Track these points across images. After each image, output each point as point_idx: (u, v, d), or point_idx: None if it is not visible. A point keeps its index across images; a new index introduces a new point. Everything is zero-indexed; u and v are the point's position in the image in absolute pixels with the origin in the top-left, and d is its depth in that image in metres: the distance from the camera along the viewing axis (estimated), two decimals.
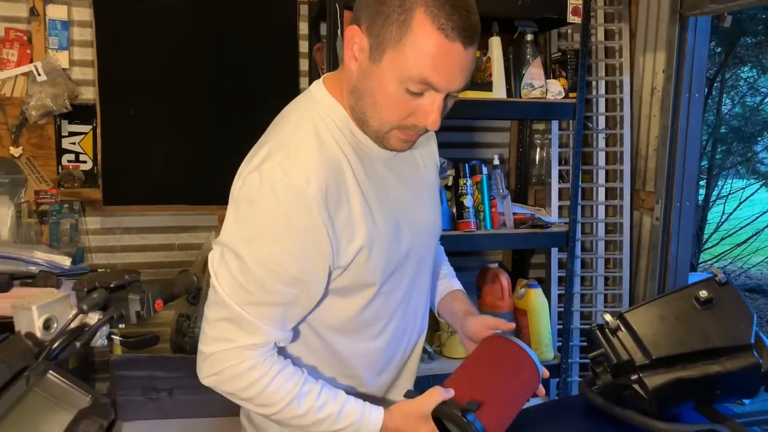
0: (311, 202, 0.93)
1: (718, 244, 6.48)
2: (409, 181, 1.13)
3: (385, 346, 1.14)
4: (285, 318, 1.01)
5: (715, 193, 6.36)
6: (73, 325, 0.81)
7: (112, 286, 0.85)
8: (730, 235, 6.50)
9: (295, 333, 1.07)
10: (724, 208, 6.50)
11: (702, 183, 6.02)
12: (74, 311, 0.82)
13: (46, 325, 0.79)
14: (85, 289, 0.83)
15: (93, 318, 0.83)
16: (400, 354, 1.20)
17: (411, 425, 1.02)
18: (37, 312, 0.78)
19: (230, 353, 0.98)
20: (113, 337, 0.86)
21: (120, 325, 0.86)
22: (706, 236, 6.35)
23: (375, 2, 0.92)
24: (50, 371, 0.70)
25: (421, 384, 2.39)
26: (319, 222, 0.94)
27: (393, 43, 0.90)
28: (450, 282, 1.39)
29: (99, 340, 0.84)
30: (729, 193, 6.59)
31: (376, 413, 1.03)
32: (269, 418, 1.07)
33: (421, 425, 1.02)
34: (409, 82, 0.91)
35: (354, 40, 0.95)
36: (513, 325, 1.26)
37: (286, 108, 1.09)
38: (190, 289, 0.99)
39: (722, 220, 6.51)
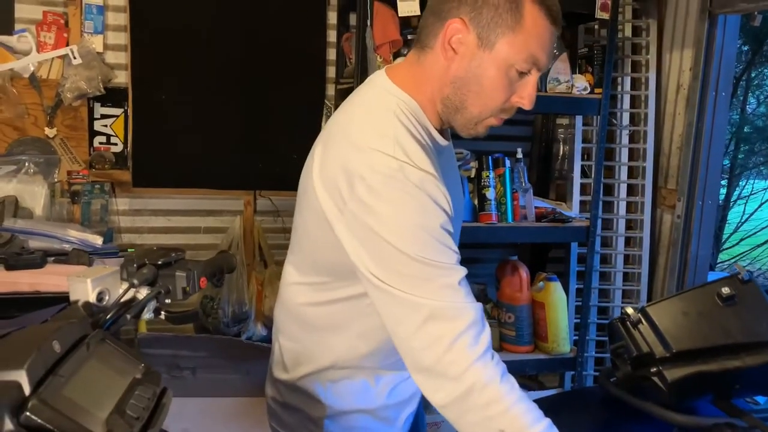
0: (430, 184, 0.96)
1: (737, 244, 6.43)
2: (454, 175, 1.20)
3: None
4: (463, 286, 0.96)
5: (736, 192, 6.30)
6: (124, 298, 0.85)
7: (160, 263, 0.89)
8: (749, 236, 6.45)
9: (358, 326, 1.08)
10: (744, 208, 6.44)
11: (723, 182, 5.97)
12: (125, 285, 0.86)
13: (99, 298, 0.84)
14: (135, 265, 0.88)
15: (142, 292, 0.87)
16: None
17: None
18: (91, 285, 0.82)
19: (452, 352, 0.91)
20: (160, 311, 0.90)
21: (166, 300, 0.90)
22: (725, 236, 6.30)
23: None
24: (107, 339, 0.75)
25: None
26: (440, 192, 0.97)
27: (508, 29, 0.98)
28: None
29: (147, 314, 0.88)
30: (750, 194, 6.53)
31: None
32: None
33: None
34: (522, 63, 0.99)
35: (455, 33, 1.00)
36: None
37: (356, 99, 1.10)
38: (231, 269, 1.03)
39: (742, 221, 6.45)
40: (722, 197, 5.98)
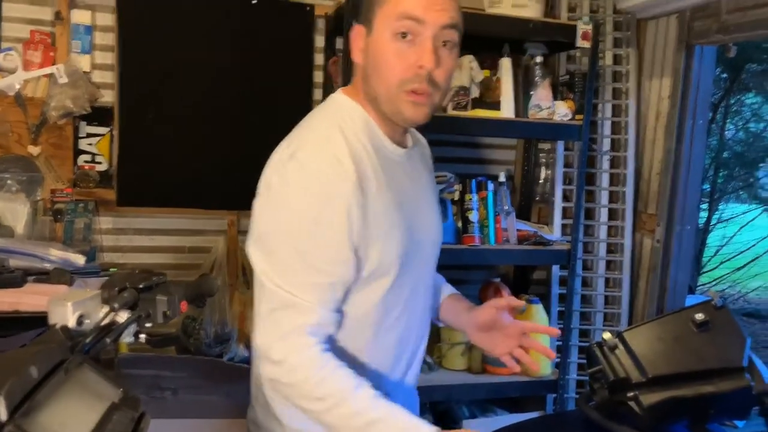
0: (346, 182, 1.01)
1: (717, 267, 6.52)
2: (420, 185, 1.21)
3: (396, 341, 1.16)
4: (330, 298, 1.03)
5: (716, 216, 6.41)
6: (104, 322, 0.86)
7: (141, 286, 0.90)
8: (729, 259, 6.54)
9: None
10: (724, 232, 6.55)
11: (703, 206, 6.07)
12: (105, 309, 0.87)
13: (79, 321, 0.84)
14: (116, 289, 0.88)
15: (122, 316, 0.88)
16: (408, 354, 1.21)
17: None
18: (72, 308, 0.83)
19: (289, 341, 1.00)
20: (139, 335, 0.91)
21: (147, 324, 0.90)
22: (705, 259, 6.39)
23: None
24: (86, 364, 0.75)
25: (420, 393, 2.43)
26: (353, 199, 1.01)
27: (377, 5, 1.04)
28: (447, 291, 1.42)
29: (127, 337, 0.89)
30: (730, 218, 6.64)
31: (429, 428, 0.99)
32: (320, 418, 1.03)
33: None
34: (396, 24, 1.02)
35: (356, 37, 1.09)
36: (523, 302, 1.28)
37: (311, 113, 1.16)
38: (212, 292, 1.04)
39: (722, 244, 6.55)
40: (702, 221, 6.08)
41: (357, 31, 1.09)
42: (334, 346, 1.08)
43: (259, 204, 1.06)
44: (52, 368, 0.71)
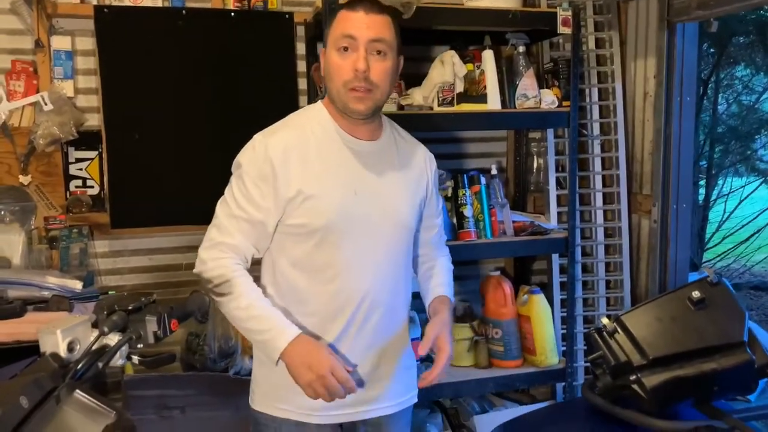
0: (272, 150, 1.40)
1: (720, 243, 6.50)
2: (383, 173, 1.49)
3: (335, 292, 1.43)
4: (247, 230, 1.41)
5: (715, 192, 6.39)
6: (95, 346, 0.85)
7: (130, 308, 0.90)
8: (731, 234, 6.52)
9: (265, 267, 1.48)
10: (725, 206, 6.52)
11: (702, 183, 6.05)
12: (95, 333, 0.87)
13: (70, 347, 0.84)
14: (105, 312, 0.88)
15: (113, 339, 0.87)
16: (352, 310, 1.44)
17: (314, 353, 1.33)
18: (61, 335, 0.83)
19: (213, 250, 1.41)
20: (132, 356, 0.90)
21: (138, 345, 0.90)
22: (708, 235, 6.37)
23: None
24: (77, 390, 0.75)
25: (428, 392, 2.43)
26: (276, 164, 1.39)
27: (329, 31, 1.43)
28: (440, 289, 1.64)
29: (119, 360, 0.88)
30: (729, 192, 6.61)
31: (294, 330, 1.35)
32: (222, 308, 1.39)
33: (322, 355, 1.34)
34: (338, 41, 1.39)
35: (322, 56, 1.46)
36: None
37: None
38: (202, 309, 1.04)
39: (723, 219, 6.53)
40: (702, 197, 6.06)
41: (322, 52, 1.47)
42: (274, 274, 1.46)
43: None
44: (43, 397, 0.71)
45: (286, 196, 1.40)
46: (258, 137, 1.46)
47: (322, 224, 1.40)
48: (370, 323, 1.47)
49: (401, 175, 1.53)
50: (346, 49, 1.38)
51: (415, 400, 1.63)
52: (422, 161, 1.61)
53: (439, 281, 1.65)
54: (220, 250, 1.40)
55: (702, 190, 6.07)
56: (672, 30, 2.48)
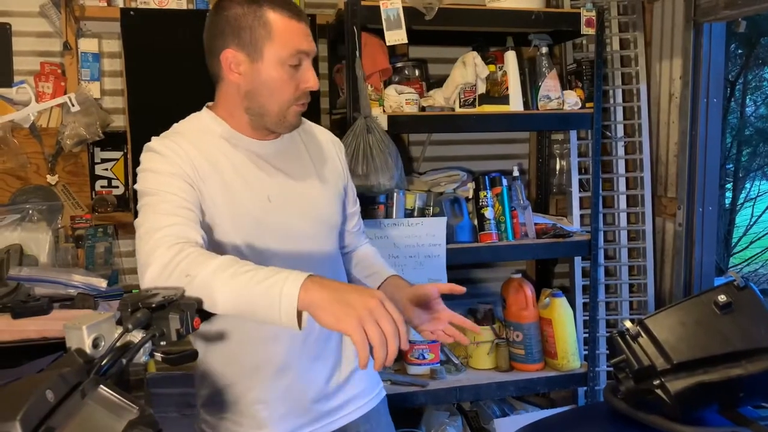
0: (178, 144, 1.26)
1: (747, 247, 6.38)
2: (292, 172, 1.36)
3: None
4: (188, 215, 1.19)
5: (742, 195, 6.27)
6: (119, 343, 0.86)
7: (153, 306, 0.91)
8: (759, 239, 6.40)
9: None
10: (752, 210, 6.40)
11: (729, 186, 5.94)
12: (120, 330, 0.88)
13: (95, 344, 0.85)
14: (129, 309, 0.89)
15: (137, 336, 0.88)
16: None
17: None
18: (86, 331, 0.84)
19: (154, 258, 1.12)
20: (155, 354, 0.92)
21: (161, 343, 0.91)
22: (735, 240, 6.25)
23: (232, 26, 1.26)
24: (101, 385, 0.76)
25: (449, 395, 2.41)
26: (182, 155, 1.24)
27: (266, 39, 1.24)
28: (386, 272, 1.47)
29: (142, 357, 0.89)
30: (757, 196, 6.49)
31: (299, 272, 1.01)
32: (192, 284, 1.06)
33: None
34: (290, 58, 1.24)
35: (230, 60, 1.27)
36: (463, 288, 1.30)
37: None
38: None
39: (751, 223, 6.41)
40: (728, 201, 5.95)
41: (235, 57, 1.26)
42: None
43: None
44: (69, 391, 0.72)
45: (202, 190, 1.24)
46: (156, 142, 1.29)
47: (228, 229, 1.26)
48: (313, 335, 1.33)
49: (316, 170, 1.40)
50: (297, 66, 1.25)
51: (384, 394, 1.52)
52: (331, 147, 1.48)
53: (377, 269, 1.48)
54: (161, 250, 1.10)
55: (729, 194, 5.96)
56: (699, 30, 2.44)
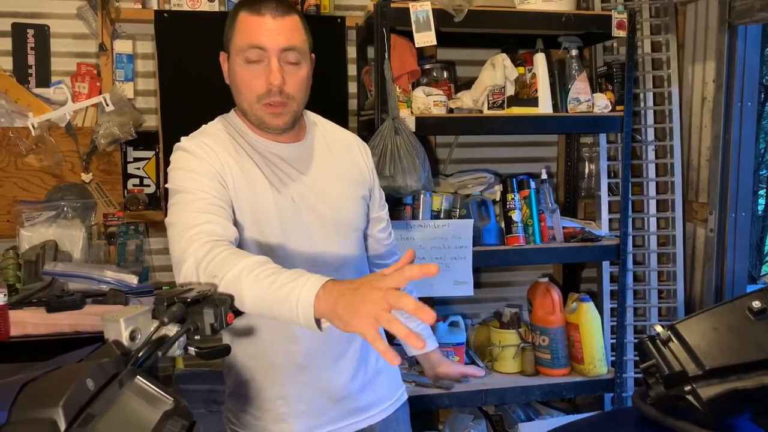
0: (208, 145, 1.28)
1: None
2: (315, 174, 1.36)
3: None
4: (220, 212, 1.21)
5: None
6: (155, 336, 0.88)
7: (188, 300, 0.92)
8: None
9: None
10: None
11: (762, 192, 5.81)
12: (156, 324, 0.90)
13: (132, 336, 0.87)
14: (165, 303, 0.91)
15: (172, 330, 0.90)
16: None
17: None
18: (124, 324, 0.86)
19: (187, 256, 1.13)
20: (188, 347, 0.93)
21: (195, 337, 0.93)
22: (767, 247, 6.10)
23: (224, 30, 1.32)
24: (138, 376, 0.78)
25: (473, 398, 2.40)
26: (213, 155, 1.27)
27: (231, 37, 1.28)
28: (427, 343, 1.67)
29: (177, 351, 0.91)
30: None
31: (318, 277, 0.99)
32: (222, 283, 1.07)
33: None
34: (246, 53, 1.24)
35: (222, 62, 1.34)
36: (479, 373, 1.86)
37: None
38: None
39: None
40: (761, 207, 5.82)
41: (223, 57, 1.34)
42: None
43: None
44: (107, 381, 0.74)
45: (227, 182, 1.27)
46: (187, 141, 1.31)
47: (246, 223, 1.28)
48: (335, 334, 1.22)
49: (339, 171, 1.41)
50: (254, 61, 1.24)
51: (405, 398, 1.55)
52: (356, 150, 1.48)
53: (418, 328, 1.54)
54: (194, 246, 1.11)
55: (762, 200, 5.83)
56: (733, 32, 2.41)
